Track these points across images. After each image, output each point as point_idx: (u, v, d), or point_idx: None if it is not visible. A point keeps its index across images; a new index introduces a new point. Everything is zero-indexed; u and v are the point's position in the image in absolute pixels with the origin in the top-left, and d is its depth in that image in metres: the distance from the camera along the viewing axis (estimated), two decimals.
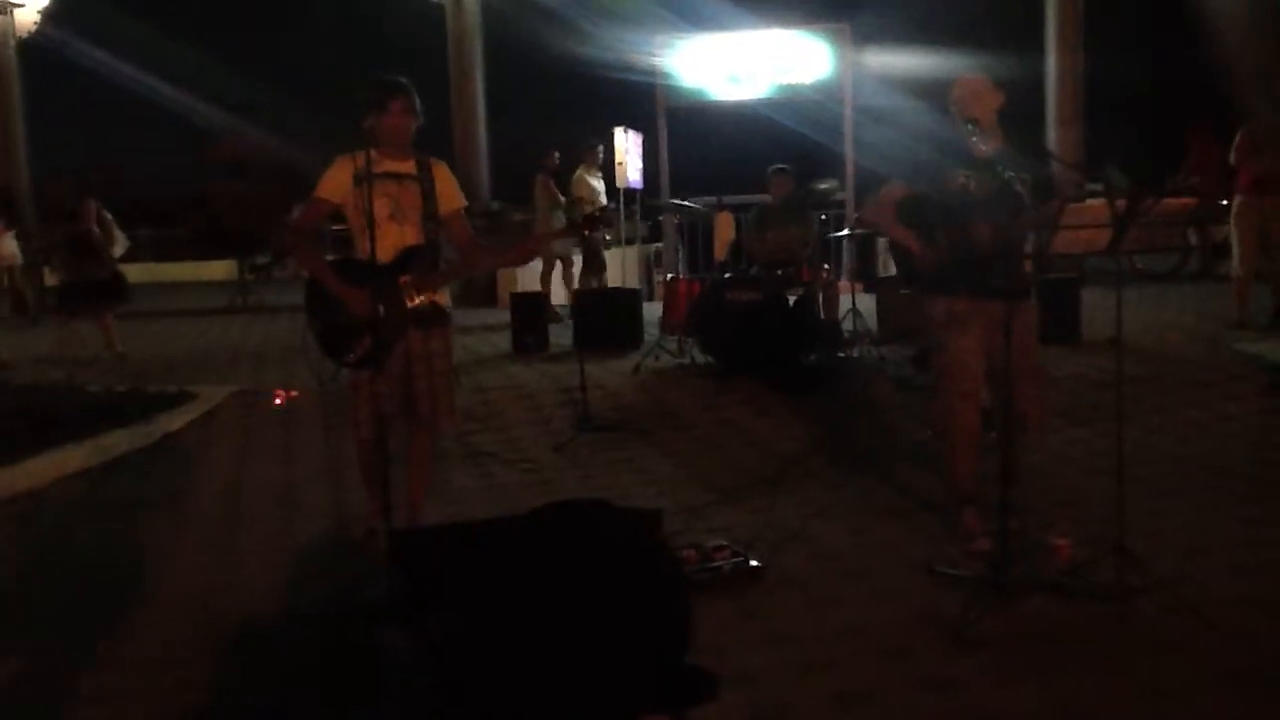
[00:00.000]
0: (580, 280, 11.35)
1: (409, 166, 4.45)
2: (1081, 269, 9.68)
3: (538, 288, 11.13)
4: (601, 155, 11.95)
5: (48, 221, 10.47)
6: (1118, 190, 3.93)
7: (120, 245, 10.55)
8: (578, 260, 11.63)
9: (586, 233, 4.61)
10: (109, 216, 10.30)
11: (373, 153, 4.28)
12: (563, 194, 11.74)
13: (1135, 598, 3.83)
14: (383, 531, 4.00)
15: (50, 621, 4.16)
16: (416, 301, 4.40)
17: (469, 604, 2.89)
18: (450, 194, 4.58)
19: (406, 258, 4.38)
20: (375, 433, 4.33)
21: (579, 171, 11.76)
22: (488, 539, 3.13)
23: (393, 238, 4.39)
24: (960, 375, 4.58)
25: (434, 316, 4.52)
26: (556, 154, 12.08)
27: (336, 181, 4.44)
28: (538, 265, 11.43)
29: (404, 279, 4.37)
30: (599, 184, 11.76)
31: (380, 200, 4.30)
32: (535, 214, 12.09)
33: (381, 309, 4.31)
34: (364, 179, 4.19)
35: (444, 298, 4.63)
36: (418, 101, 4.46)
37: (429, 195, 4.43)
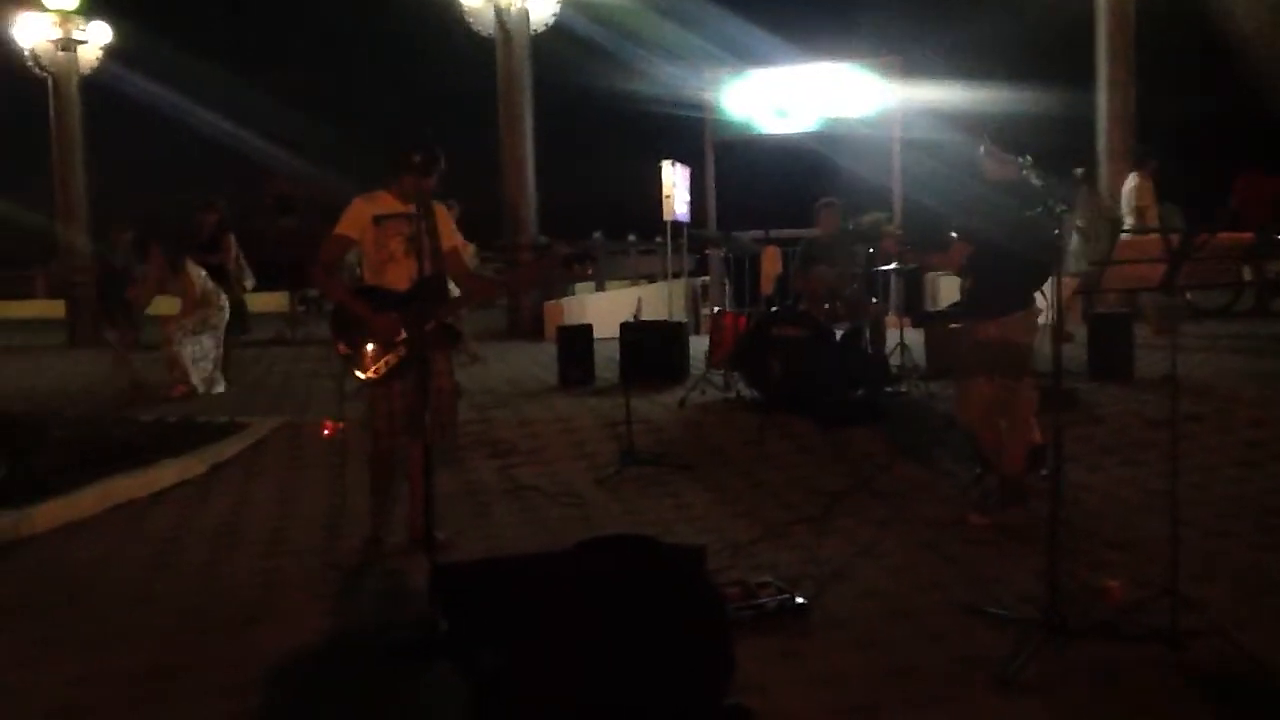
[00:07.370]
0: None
1: (413, 207, 4.86)
2: (1135, 305, 9.55)
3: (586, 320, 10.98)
4: (1154, 165, 10.65)
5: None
6: (1173, 228, 3.88)
7: (250, 279, 10.89)
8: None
9: (589, 271, 5.07)
10: (241, 252, 10.64)
11: (386, 195, 5.10)
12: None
13: (1190, 642, 3.74)
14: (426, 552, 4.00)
15: (94, 647, 4.19)
16: (431, 325, 4.95)
17: (511, 639, 2.88)
18: (449, 232, 5.20)
19: (422, 287, 4.78)
20: (392, 439, 5.11)
21: (1136, 180, 10.57)
22: (530, 574, 3.12)
23: (408, 270, 4.92)
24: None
25: (448, 338, 5.23)
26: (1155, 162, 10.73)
27: (357, 220, 5.10)
28: None
29: (420, 306, 4.86)
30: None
31: (396, 239, 5.07)
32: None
33: (404, 332, 4.96)
34: (382, 219, 5.06)
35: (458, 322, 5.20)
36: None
37: (433, 233, 4.95)
